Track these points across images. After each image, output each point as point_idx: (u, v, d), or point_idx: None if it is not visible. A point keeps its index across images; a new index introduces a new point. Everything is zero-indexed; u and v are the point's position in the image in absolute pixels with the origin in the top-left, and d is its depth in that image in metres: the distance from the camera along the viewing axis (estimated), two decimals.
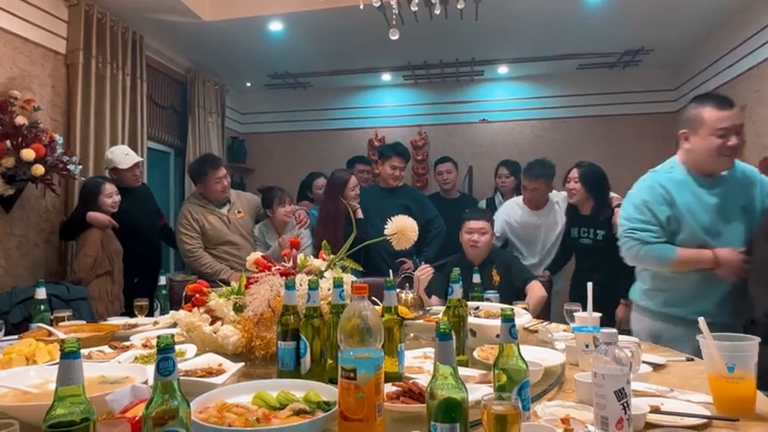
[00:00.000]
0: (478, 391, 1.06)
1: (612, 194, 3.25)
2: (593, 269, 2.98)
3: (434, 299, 2.77)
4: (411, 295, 2.21)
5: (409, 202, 3.59)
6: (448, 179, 4.39)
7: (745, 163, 2.23)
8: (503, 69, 5.72)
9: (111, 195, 3.14)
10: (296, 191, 4.77)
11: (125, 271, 3.23)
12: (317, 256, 1.89)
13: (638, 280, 2.24)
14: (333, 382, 1.14)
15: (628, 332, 2.17)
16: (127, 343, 1.82)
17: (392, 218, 1.91)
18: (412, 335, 1.94)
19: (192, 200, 3.54)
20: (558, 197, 3.53)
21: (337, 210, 3.29)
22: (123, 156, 3.42)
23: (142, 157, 4.19)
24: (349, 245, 1.87)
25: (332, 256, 1.84)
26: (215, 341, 1.63)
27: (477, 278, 2.43)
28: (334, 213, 3.31)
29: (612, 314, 2.92)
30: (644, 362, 1.48)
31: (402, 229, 1.87)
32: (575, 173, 3.27)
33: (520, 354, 1.04)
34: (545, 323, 2.14)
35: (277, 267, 1.76)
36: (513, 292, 2.67)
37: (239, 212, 3.54)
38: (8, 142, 2.91)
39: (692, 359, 1.66)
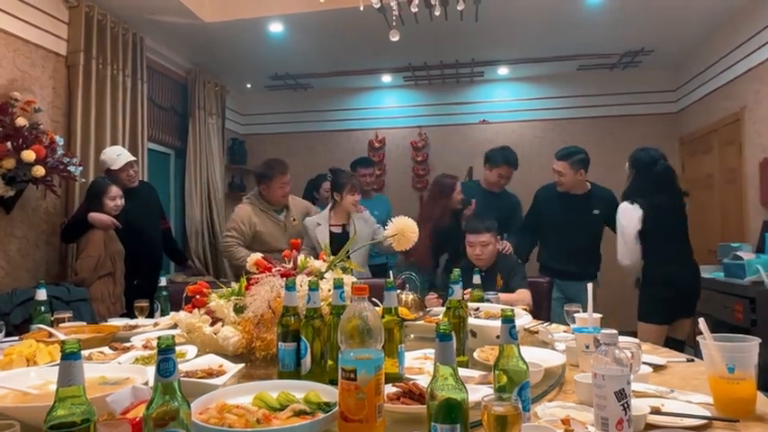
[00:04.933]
0: (479, 392, 1.06)
1: None
2: None
3: None
4: (411, 296, 2.21)
5: (507, 209, 3.56)
6: (561, 181, 3.42)
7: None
8: (503, 70, 5.73)
9: (114, 198, 3.13)
10: (296, 191, 4.76)
11: (126, 272, 3.23)
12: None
13: None
14: (333, 382, 1.14)
15: None
16: (127, 344, 1.82)
17: (393, 219, 1.91)
18: (412, 336, 1.94)
19: (252, 200, 3.50)
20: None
21: (443, 215, 3.24)
22: (115, 156, 3.39)
23: (142, 158, 4.21)
24: (348, 247, 1.87)
25: (331, 257, 1.84)
26: (215, 342, 1.63)
27: (477, 279, 2.43)
28: (440, 218, 3.24)
29: None
30: (644, 363, 1.48)
31: (402, 229, 1.87)
32: None
33: (520, 355, 1.04)
34: (545, 324, 2.14)
35: (277, 268, 1.77)
36: None
37: (294, 220, 3.53)
38: (9, 144, 2.91)
39: (693, 360, 1.66)
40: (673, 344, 2.83)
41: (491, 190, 3.68)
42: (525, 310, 2.14)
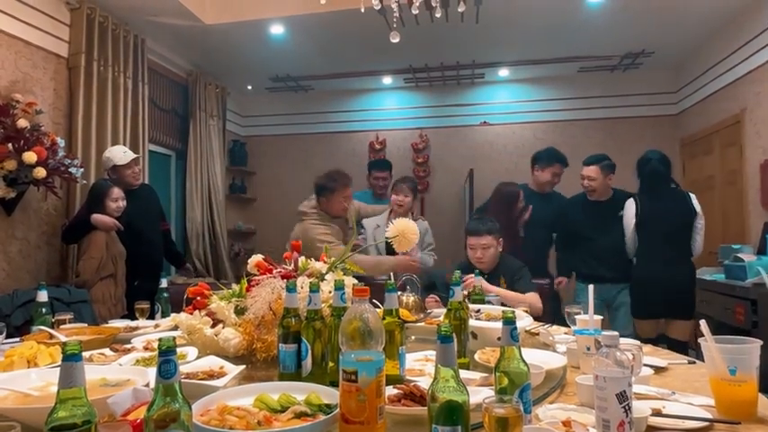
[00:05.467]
0: (480, 394, 1.06)
1: None
2: None
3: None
4: (412, 298, 2.21)
5: (558, 209, 3.68)
6: (592, 186, 3.54)
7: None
8: (503, 72, 5.73)
9: (117, 200, 3.14)
10: (297, 193, 4.75)
11: (126, 273, 3.23)
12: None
13: None
14: (334, 384, 1.14)
15: None
16: (128, 346, 1.82)
17: (393, 221, 1.91)
18: (413, 337, 1.94)
19: (314, 217, 3.28)
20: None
21: (510, 224, 3.24)
22: (122, 153, 3.42)
23: (143, 159, 4.21)
24: (349, 249, 1.87)
25: (332, 259, 1.84)
26: (216, 344, 1.63)
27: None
28: (507, 228, 3.20)
29: None
30: (645, 365, 1.48)
31: (403, 231, 1.87)
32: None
33: (521, 356, 1.04)
34: (546, 326, 2.14)
35: (278, 270, 1.77)
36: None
37: (352, 228, 3.47)
38: (10, 145, 2.92)
39: (694, 362, 1.66)
40: (675, 345, 2.97)
41: (542, 191, 3.74)
42: (526, 312, 2.13)
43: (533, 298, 2.67)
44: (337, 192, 3.27)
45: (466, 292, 2.37)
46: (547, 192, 3.75)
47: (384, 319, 1.33)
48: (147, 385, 1.16)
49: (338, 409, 1.00)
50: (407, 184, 3.55)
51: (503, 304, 2.37)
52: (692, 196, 3.28)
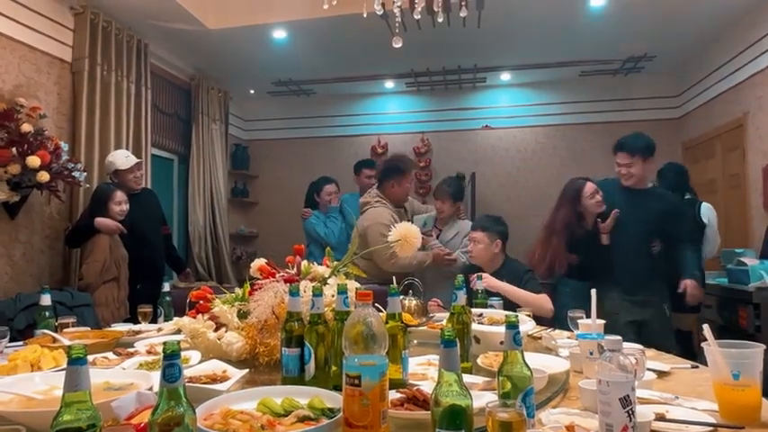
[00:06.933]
0: (483, 399, 1.06)
1: None
2: None
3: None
4: (414, 302, 2.21)
5: (660, 207, 2.98)
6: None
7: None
8: (505, 76, 5.74)
9: (120, 203, 3.15)
10: (299, 196, 4.76)
11: (129, 277, 3.23)
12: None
13: None
14: (337, 388, 1.14)
15: None
16: (131, 349, 1.82)
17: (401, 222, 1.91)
18: (415, 341, 1.94)
19: (382, 201, 3.27)
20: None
21: (565, 222, 2.96)
22: (124, 157, 3.45)
23: (146, 164, 4.22)
24: (352, 252, 1.88)
25: (335, 262, 1.84)
26: (219, 348, 1.63)
27: (480, 285, 2.43)
28: (561, 225, 2.96)
29: None
30: (648, 369, 1.48)
31: (405, 235, 1.87)
32: None
33: (524, 361, 1.04)
34: (549, 330, 2.14)
35: (281, 274, 1.77)
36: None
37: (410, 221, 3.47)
38: (14, 149, 2.93)
39: (697, 366, 1.65)
40: (681, 335, 3.40)
41: (626, 186, 3.02)
42: (528, 316, 2.13)
43: (543, 298, 2.63)
44: (407, 175, 3.29)
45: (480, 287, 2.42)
46: (636, 188, 2.99)
47: (387, 323, 1.33)
48: (151, 389, 1.16)
49: (341, 414, 1.00)
50: (445, 186, 3.40)
51: (505, 308, 2.36)
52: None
